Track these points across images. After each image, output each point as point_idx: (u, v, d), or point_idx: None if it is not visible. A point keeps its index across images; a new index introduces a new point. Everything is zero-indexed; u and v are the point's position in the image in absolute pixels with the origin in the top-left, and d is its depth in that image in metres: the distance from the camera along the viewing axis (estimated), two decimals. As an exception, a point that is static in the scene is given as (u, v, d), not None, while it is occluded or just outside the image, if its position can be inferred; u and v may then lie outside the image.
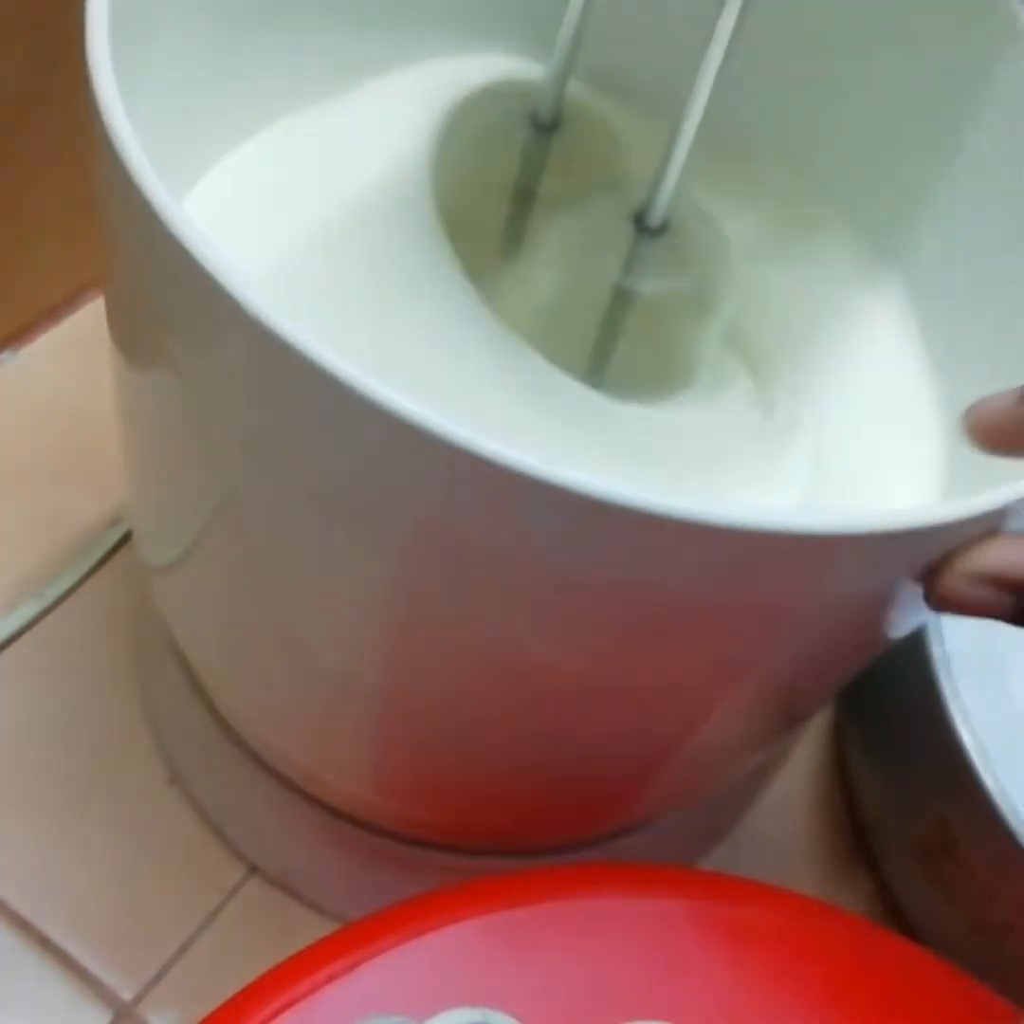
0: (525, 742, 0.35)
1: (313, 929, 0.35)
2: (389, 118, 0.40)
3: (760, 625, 0.29)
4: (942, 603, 0.28)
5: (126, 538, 0.53)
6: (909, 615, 0.33)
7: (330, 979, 0.31)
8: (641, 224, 0.38)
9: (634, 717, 0.34)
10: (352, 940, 0.32)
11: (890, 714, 0.47)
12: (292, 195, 0.38)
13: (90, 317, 0.59)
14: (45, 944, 0.43)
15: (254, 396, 0.27)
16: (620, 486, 0.24)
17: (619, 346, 0.38)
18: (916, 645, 0.44)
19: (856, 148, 0.42)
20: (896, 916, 0.49)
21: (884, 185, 0.41)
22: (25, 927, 0.44)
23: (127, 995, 0.43)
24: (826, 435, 0.38)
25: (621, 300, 0.38)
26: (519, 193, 0.40)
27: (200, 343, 0.27)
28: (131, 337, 0.32)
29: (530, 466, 0.24)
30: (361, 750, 0.38)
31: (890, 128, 0.41)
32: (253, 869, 0.46)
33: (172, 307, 0.27)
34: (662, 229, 0.38)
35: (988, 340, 0.39)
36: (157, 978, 0.44)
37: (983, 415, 0.28)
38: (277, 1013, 0.31)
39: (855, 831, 0.51)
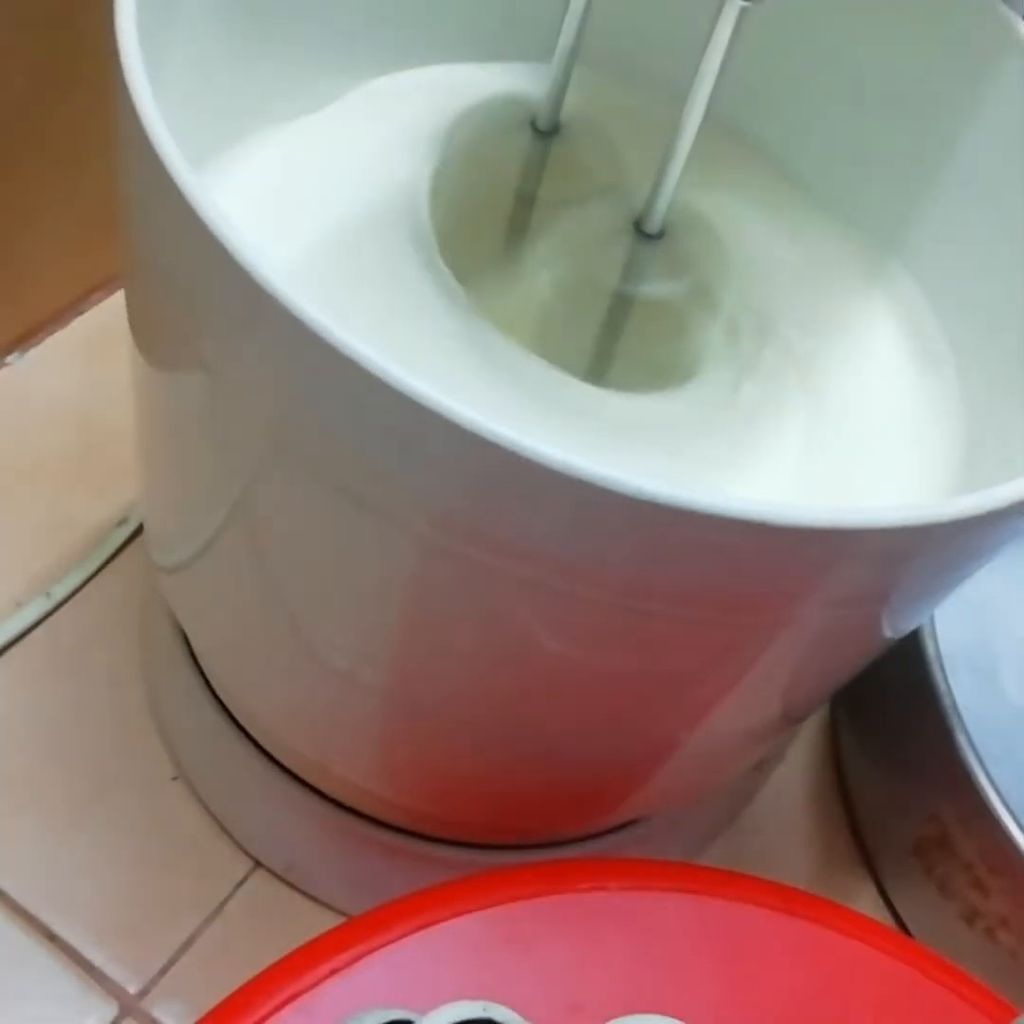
0: (529, 736, 0.35)
1: (317, 923, 0.35)
2: (392, 124, 0.40)
3: (760, 621, 0.29)
4: None
5: (132, 537, 0.53)
6: (907, 613, 0.33)
7: (334, 972, 0.31)
8: (640, 229, 0.38)
9: (635, 712, 0.34)
10: (355, 934, 0.32)
11: (885, 711, 0.47)
12: (294, 203, 0.38)
13: (96, 319, 0.59)
14: (52, 938, 0.44)
15: (282, 388, 0.27)
16: (626, 475, 0.24)
17: (619, 349, 0.38)
18: (911, 643, 0.44)
19: (858, 150, 0.42)
20: (891, 910, 0.49)
21: (885, 186, 0.42)
22: (32, 921, 0.44)
23: (133, 988, 0.43)
24: (828, 434, 0.38)
25: (620, 304, 0.38)
26: (520, 197, 0.40)
27: (230, 336, 0.27)
28: (154, 333, 0.32)
29: (546, 456, 0.24)
30: (369, 743, 0.39)
31: (892, 129, 0.41)
32: (257, 863, 0.46)
33: (201, 300, 0.28)
34: (661, 234, 0.38)
35: (986, 339, 0.39)
36: (163, 972, 0.44)
37: None
38: (281, 1006, 0.31)
39: (850, 827, 0.51)
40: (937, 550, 0.28)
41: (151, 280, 0.31)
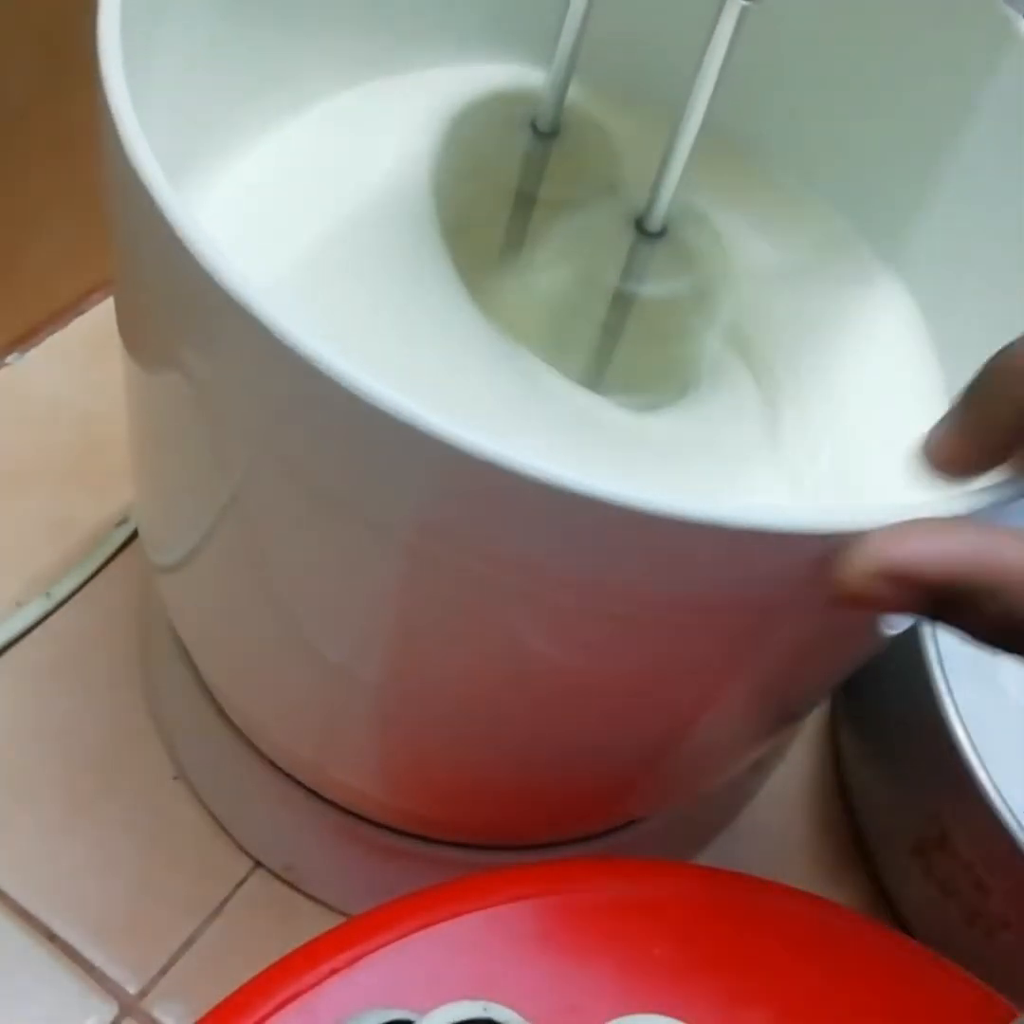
0: (525, 736, 0.35)
1: (317, 923, 0.35)
2: (392, 124, 0.40)
3: (755, 623, 0.29)
4: (838, 601, 0.24)
5: (132, 538, 0.53)
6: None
7: (333, 972, 0.31)
8: (641, 228, 0.38)
9: (631, 714, 0.34)
10: (355, 934, 0.32)
11: (885, 710, 0.47)
12: (294, 203, 0.38)
13: (96, 319, 0.59)
14: (52, 938, 0.44)
15: (262, 400, 0.27)
16: (615, 485, 0.24)
17: (619, 349, 0.38)
18: (910, 642, 0.44)
19: (856, 150, 0.42)
20: (891, 911, 0.49)
21: (884, 187, 0.42)
22: (32, 921, 0.44)
23: (133, 989, 0.43)
24: (827, 437, 0.38)
25: (621, 303, 0.38)
26: (520, 198, 0.40)
27: (209, 347, 0.27)
28: (140, 340, 0.32)
29: (529, 467, 0.24)
30: (365, 745, 0.39)
31: (890, 130, 0.41)
32: (257, 864, 0.46)
33: (181, 312, 0.28)
34: (661, 233, 0.38)
35: (988, 341, 0.39)
36: (162, 972, 0.44)
37: (931, 448, 0.27)
38: (281, 1006, 0.31)
39: (850, 826, 0.51)
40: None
41: (135, 287, 0.31)
